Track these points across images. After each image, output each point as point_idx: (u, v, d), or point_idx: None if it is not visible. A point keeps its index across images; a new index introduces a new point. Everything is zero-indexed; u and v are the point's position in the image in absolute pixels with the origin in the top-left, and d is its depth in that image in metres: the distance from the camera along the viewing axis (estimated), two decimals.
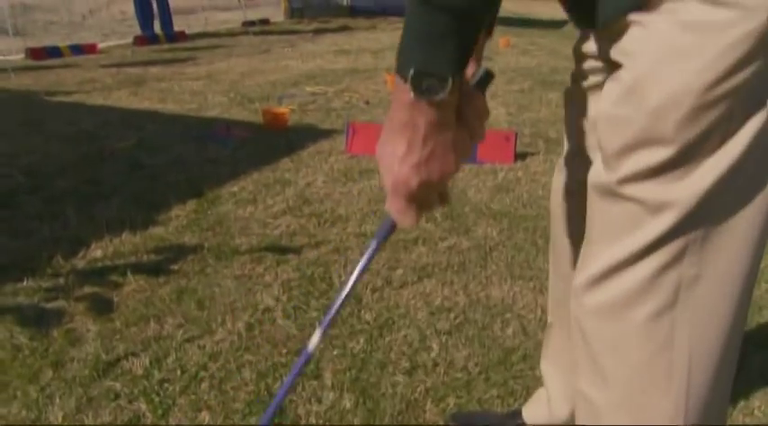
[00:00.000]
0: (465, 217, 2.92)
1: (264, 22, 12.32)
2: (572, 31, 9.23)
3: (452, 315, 2.10)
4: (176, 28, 10.20)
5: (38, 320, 2.04)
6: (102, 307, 2.12)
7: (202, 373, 1.78)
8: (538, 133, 4.42)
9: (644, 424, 0.88)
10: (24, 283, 2.27)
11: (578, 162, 1.15)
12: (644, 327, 0.84)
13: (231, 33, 10.97)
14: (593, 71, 1.05)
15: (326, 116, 4.89)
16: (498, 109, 5.24)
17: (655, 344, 0.84)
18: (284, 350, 1.89)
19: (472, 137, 0.82)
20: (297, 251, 2.54)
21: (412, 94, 0.72)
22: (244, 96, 5.63)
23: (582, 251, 0.93)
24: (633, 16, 0.76)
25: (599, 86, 0.99)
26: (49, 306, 2.13)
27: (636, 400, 0.88)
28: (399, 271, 2.39)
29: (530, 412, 1.53)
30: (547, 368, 1.47)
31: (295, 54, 8.54)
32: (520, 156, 3.82)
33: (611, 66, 0.82)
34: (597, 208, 0.87)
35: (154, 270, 2.37)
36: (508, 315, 2.11)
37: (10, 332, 1.96)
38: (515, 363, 1.85)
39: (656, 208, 0.79)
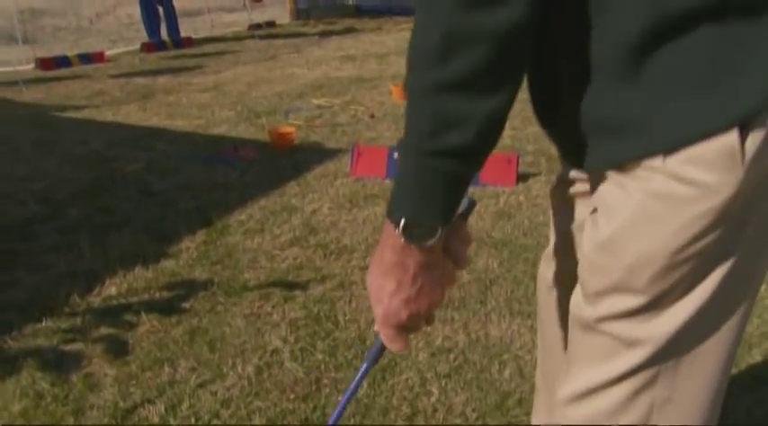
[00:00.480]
0: None
1: (270, 24, 12.39)
2: None
3: (452, 357, 2.19)
4: (183, 31, 10.32)
5: (58, 363, 2.14)
6: (118, 349, 2.22)
7: (215, 421, 1.88)
8: (541, 150, 4.48)
9: None
10: (44, 324, 2.37)
11: (564, 255, 1.23)
12: None
13: (237, 37, 11.07)
14: (581, 180, 1.13)
15: (332, 133, 4.97)
16: None
17: None
18: (292, 396, 1.98)
19: (456, 265, 0.89)
20: (303, 286, 2.64)
21: (402, 240, 0.79)
22: (251, 110, 5.72)
23: (566, 365, 1.02)
24: (612, 174, 0.84)
25: (586, 194, 1.06)
26: (68, 348, 2.23)
27: None
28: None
29: None
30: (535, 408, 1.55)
31: (301, 60, 8.62)
32: (522, 178, 3.90)
33: (595, 187, 0.90)
34: (578, 337, 0.95)
35: (166, 308, 2.48)
36: (506, 356, 2.20)
37: (32, 377, 2.07)
38: (511, 408, 1.94)
39: (630, 344, 0.87)
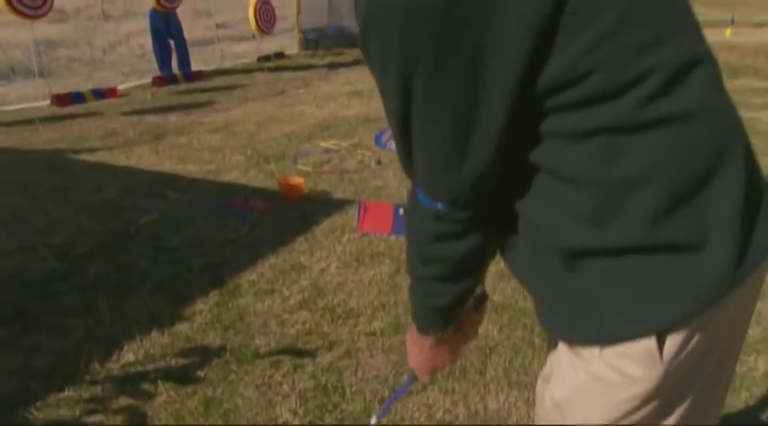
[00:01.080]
0: None
1: (279, 55, 12.62)
2: None
3: None
4: (193, 62, 10.54)
5: None
6: (137, 421, 2.35)
7: None
8: None
9: None
10: (65, 393, 2.51)
11: None
12: None
13: (247, 70, 11.28)
14: None
15: (340, 180, 5.13)
16: None
17: None
18: None
19: (468, 338, 1.30)
20: (312, 354, 2.77)
21: (417, 331, 1.21)
22: (260, 154, 5.89)
23: None
24: (564, 345, 0.99)
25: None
26: (90, 420, 2.37)
27: None
28: (405, 378, 2.60)
29: None
30: None
31: (309, 97, 8.80)
32: None
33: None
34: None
35: (182, 377, 2.61)
36: None
37: None
38: None
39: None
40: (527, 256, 0.99)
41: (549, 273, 0.94)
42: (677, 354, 0.87)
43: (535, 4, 0.75)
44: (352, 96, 8.85)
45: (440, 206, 0.94)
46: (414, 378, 1.38)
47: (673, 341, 0.87)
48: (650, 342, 0.86)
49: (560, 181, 0.88)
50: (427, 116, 0.85)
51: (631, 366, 0.88)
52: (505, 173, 0.91)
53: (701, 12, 1.00)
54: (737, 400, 2.45)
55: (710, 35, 1.00)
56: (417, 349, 1.25)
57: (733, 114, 0.90)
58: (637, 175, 0.83)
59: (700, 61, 0.84)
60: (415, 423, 2.34)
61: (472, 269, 1.06)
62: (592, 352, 0.92)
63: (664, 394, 0.91)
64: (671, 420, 0.94)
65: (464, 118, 0.83)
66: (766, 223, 0.90)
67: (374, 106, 8.14)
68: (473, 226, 0.97)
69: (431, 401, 2.48)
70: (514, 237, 1.01)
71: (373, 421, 1.60)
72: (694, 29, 0.87)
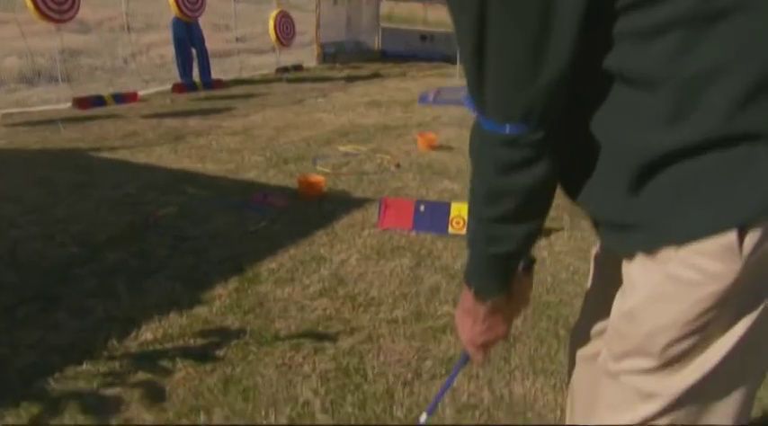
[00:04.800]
0: None
1: (298, 68, 12.69)
2: None
3: (477, 413, 2.26)
4: (213, 75, 10.58)
5: (98, 408, 2.24)
6: (155, 396, 2.31)
7: None
8: (563, 206, 4.55)
9: None
10: (84, 367, 2.47)
11: (597, 312, 1.34)
12: None
13: (266, 80, 11.34)
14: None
15: (359, 181, 5.10)
16: None
17: None
18: None
19: (519, 307, 1.24)
20: (332, 338, 2.73)
21: (473, 298, 1.14)
22: (279, 156, 5.88)
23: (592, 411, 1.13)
24: (637, 254, 0.97)
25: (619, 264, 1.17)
26: (107, 392, 2.33)
27: None
28: (428, 363, 2.56)
29: None
30: None
31: (327, 106, 8.82)
32: (544, 233, 3.98)
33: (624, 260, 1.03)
34: (603, 384, 1.09)
35: (201, 356, 2.57)
36: (529, 414, 2.26)
37: (74, 420, 2.16)
38: None
39: (646, 397, 1.00)
40: (596, 175, 0.98)
41: (622, 186, 0.93)
42: (755, 249, 0.85)
43: None
44: (371, 106, 8.86)
45: (509, 129, 0.92)
46: (465, 361, 1.33)
47: (752, 236, 0.85)
48: (731, 237, 0.85)
49: (633, 87, 0.88)
50: (503, 27, 0.85)
51: (710, 262, 0.87)
52: (575, 87, 0.90)
53: None
54: None
55: None
56: (470, 320, 1.20)
57: None
58: (711, 67, 0.81)
59: None
60: (440, 409, 2.28)
61: (539, 205, 1.03)
62: (668, 254, 0.91)
63: (738, 294, 0.88)
64: (739, 328, 0.91)
65: (539, 26, 0.82)
66: None
67: (392, 116, 8.15)
68: (542, 151, 0.94)
69: (454, 385, 2.43)
70: (576, 160, 1.00)
71: (423, 418, 1.54)
72: None
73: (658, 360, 0.97)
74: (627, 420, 1.03)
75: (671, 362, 0.97)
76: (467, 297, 1.17)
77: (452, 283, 3.28)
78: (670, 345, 0.95)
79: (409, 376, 2.47)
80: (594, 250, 1.37)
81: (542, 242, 3.87)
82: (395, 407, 2.28)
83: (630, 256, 1.00)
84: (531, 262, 1.23)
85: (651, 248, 0.93)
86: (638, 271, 0.98)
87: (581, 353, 1.42)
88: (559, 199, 3.49)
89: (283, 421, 2.18)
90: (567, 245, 3.85)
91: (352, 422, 2.19)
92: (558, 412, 2.28)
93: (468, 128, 1.00)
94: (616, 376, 1.05)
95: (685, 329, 0.93)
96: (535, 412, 2.29)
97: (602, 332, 1.35)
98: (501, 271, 1.12)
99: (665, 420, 1.00)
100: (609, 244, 1.07)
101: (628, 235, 0.97)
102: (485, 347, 1.25)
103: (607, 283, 1.27)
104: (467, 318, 1.21)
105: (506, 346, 2.70)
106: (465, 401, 2.34)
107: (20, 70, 9.94)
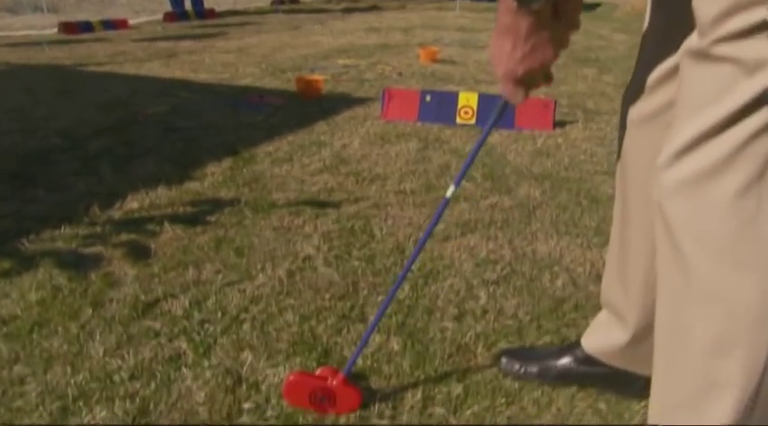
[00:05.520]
0: (506, 178, 2.84)
1: (294, 1, 12.27)
2: (605, 12, 9.15)
3: (499, 267, 2.03)
4: (206, 5, 10.21)
5: (76, 264, 2.01)
6: (139, 253, 2.08)
7: (244, 315, 1.73)
8: (576, 104, 4.31)
9: (732, 313, 0.84)
10: (62, 230, 2.24)
11: (657, 84, 1.10)
12: (729, 203, 0.80)
13: (260, 12, 10.96)
14: None
15: (360, 86, 4.82)
16: None
17: (738, 221, 0.80)
18: (327, 295, 1.83)
19: (569, 28, 0.98)
20: (336, 205, 2.49)
21: (515, 4, 0.89)
22: (275, 67, 5.59)
23: (667, 130, 0.89)
24: None
25: None
26: (87, 251, 2.10)
27: (721, 288, 0.85)
28: (442, 226, 2.32)
29: (590, 340, 1.46)
30: (609, 289, 1.40)
31: (325, 31, 8.48)
32: (559, 124, 3.72)
33: None
34: (688, 76, 0.85)
35: (191, 220, 2.34)
36: (556, 269, 2.04)
37: (49, 274, 1.93)
38: (567, 312, 1.78)
39: (753, 68, 0.76)
40: None
41: None
42: None
43: None
44: (370, 31, 8.51)
45: None
46: (504, 106, 1.11)
47: None
48: None
49: None
50: None
51: None
52: None
53: None
54: None
55: None
56: (510, 43, 0.96)
57: None
58: None
59: None
60: (457, 263, 2.05)
61: None
62: None
63: None
64: None
65: None
66: None
67: (393, 38, 7.82)
68: None
69: (472, 243, 2.20)
70: None
71: (450, 191, 1.30)
72: None
73: None
74: (724, 109, 0.79)
75: None
76: (506, 9, 0.93)
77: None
78: None
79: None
80: None
81: (557, 131, 3.61)
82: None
83: None
84: None
85: None
86: None
87: (636, 112, 1.18)
88: (571, 99, 3.25)
89: (282, 273, 1.95)
90: (582, 134, 3.59)
91: (359, 275, 1.96)
92: (588, 266, 2.05)
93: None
94: (708, 52, 0.80)
95: None
96: (563, 266, 2.06)
97: (664, 80, 1.10)
98: None
99: None
100: None
101: None
102: (526, 79, 1.02)
103: (670, 22, 1.03)
104: (505, 41, 0.97)
105: (525, 213, 2.47)
106: (484, 256, 2.10)
107: None
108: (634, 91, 1.18)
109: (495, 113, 1.13)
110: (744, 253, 0.83)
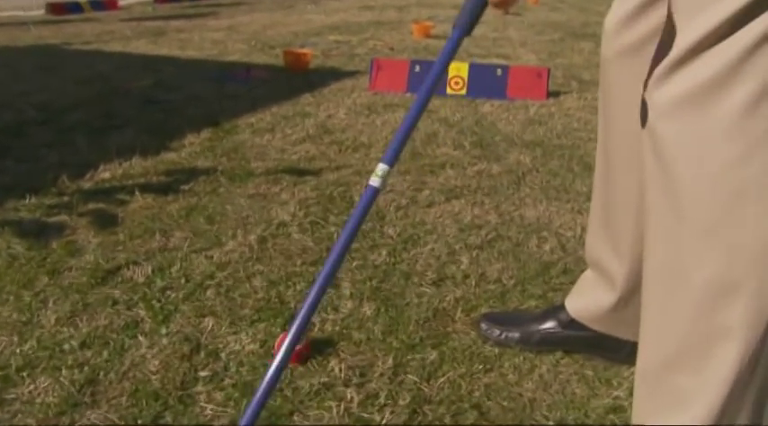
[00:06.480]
0: (496, 145, 2.73)
1: None
2: None
3: (483, 232, 1.92)
4: None
5: (38, 233, 1.90)
6: (105, 222, 1.97)
7: (208, 281, 1.62)
8: (571, 75, 4.18)
9: (732, 250, 0.72)
10: (27, 201, 2.13)
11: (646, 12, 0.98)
12: (734, 122, 0.66)
13: None
14: None
15: (350, 60, 4.70)
16: (528, 55, 5.01)
17: (745, 143, 0.67)
18: (299, 261, 1.73)
19: None
20: (316, 173, 2.38)
21: None
22: (265, 43, 5.46)
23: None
24: None
25: None
26: (51, 220, 1.99)
27: (720, 221, 0.71)
28: (426, 192, 2.21)
29: (574, 302, 1.35)
30: (594, 245, 1.29)
31: (318, 10, 8.33)
32: (552, 94, 3.61)
33: None
34: None
35: (163, 189, 2.23)
36: (545, 233, 1.93)
37: (7, 243, 1.83)
38: (554, 276, 1.67)
39: None
40: None
41: None
42: None
43: None
44: (364, 9, 8.36)
45: None
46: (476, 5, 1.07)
47: None
48: None
49: None
50: None
51: None
52: None
53: None
54: None
55: None
56: None
57: None
58: None
59: None
60: (440, 229, 1.94)
61: None
62: None
63: None
64: None
65: None
66: None
67: (387, 16, 7.67)
68: None
69: (456, 209, 2.09)
70: None
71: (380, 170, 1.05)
72: None
73: None
74: (728, 7, 0.67)
75: None
76: None
77: (451, 130, 2.92)
78: None
79: (404, 201, 2.13)
80: None
81: (551, 100, 3.49)
82: (385, 227, 1.94)
83: None
84: None
85: None
86: None
87: (619, 44, 1.08)
88: (567, 71, 3.11)
89: (253, 239, 1.85)
90: (576, 103, 3.47)
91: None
92: (579, 230, 1.94)
93: None
94: None
95: None
96: (551, 230, 1.95)
97: (648, 4, 0.99)
98: None
99: None
100: None
101: None
102: None
103: None
104: None
105: (513, 179, 2.35)
106: (468, 221, 2.00)
107: None
108: (615, 20, 1.07)
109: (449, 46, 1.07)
110: (748, 181, 0.71)
